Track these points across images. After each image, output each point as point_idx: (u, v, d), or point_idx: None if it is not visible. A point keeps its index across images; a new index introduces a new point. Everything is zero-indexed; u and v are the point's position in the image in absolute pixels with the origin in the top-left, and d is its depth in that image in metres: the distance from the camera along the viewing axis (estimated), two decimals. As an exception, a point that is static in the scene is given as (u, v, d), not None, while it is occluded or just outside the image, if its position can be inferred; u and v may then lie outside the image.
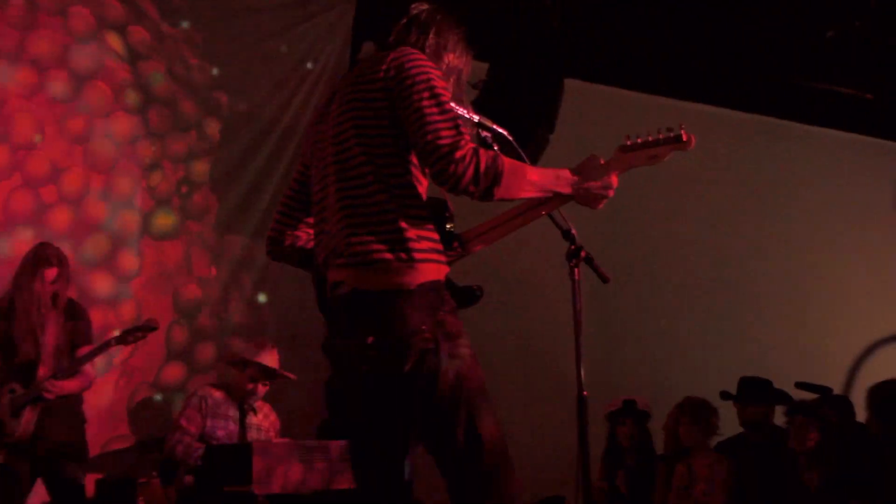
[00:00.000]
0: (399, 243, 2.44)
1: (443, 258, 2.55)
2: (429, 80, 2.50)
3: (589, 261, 3.28)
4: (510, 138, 3.19)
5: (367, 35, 7.19)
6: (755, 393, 5.90)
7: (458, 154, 2.41)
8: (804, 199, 8.66)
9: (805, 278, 8.49)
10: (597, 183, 2.75)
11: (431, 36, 2.74)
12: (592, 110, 7.31)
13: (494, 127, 3.16)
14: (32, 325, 4.80)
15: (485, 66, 6.01)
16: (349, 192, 2.53)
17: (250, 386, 5.24)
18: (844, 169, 8.71)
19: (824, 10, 6.33)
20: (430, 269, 2.48)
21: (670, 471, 5.72)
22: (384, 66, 2.57)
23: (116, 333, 5.08)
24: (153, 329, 4.98)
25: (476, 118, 3.11)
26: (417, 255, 2.45)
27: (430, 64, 2.58)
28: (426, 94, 2.47)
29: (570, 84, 6.18)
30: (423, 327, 2.40)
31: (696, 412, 5.59)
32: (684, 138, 2.85)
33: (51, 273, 4.87)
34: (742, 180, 8.41)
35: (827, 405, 5.56)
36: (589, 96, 7.27)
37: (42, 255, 4.88)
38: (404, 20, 2.81)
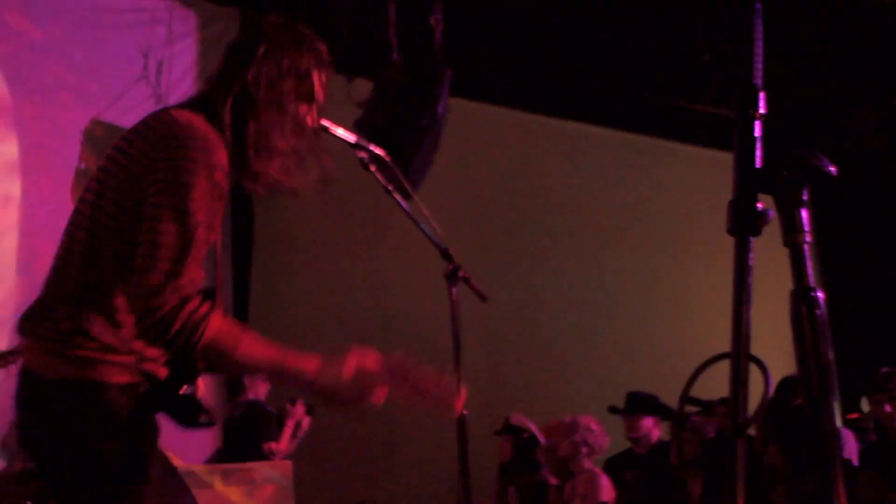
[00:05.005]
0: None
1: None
2: (188, 181, 2.04)
3: (466, 280, 3.31)
4: (388, 159, 3.19)
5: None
6: (641, 407, 6.01)
7: (155, 302, 1.99)
8: (684, 217, 8.86)
9: (687, 296, 8.68)
10: (348, 393, 2.20)
11: (262, 72, 2.26)
12: (478, 129, 7.38)
13: (372, 148, 3.15)
14: None
15: (369, 84, 6.01)
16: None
17: None
18: (720, 185, 8.95)
19: (700, 34, 6.55)
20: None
21: (561, 488, 5.78)
22: (158, 132, 2.13)
23: None
24: None
25: (353, 139, 3.10)
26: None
27: (205, 154, 2.08)
28: (172, 201, 2.03)
29: (456, 103, 6.22)
30: None
31: (567, 430, 5.66)
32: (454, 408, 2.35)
33: None
34: (624, 198, 8.58)
35: (709, 418, 5.72)
36: (475, 115, 7.34)
37: None
38: (226, 59, 2.33)
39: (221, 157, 2.12)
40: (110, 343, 2.08)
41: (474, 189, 7.42)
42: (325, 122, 3.08)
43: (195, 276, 2.05)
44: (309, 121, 2.35)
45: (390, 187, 3.21)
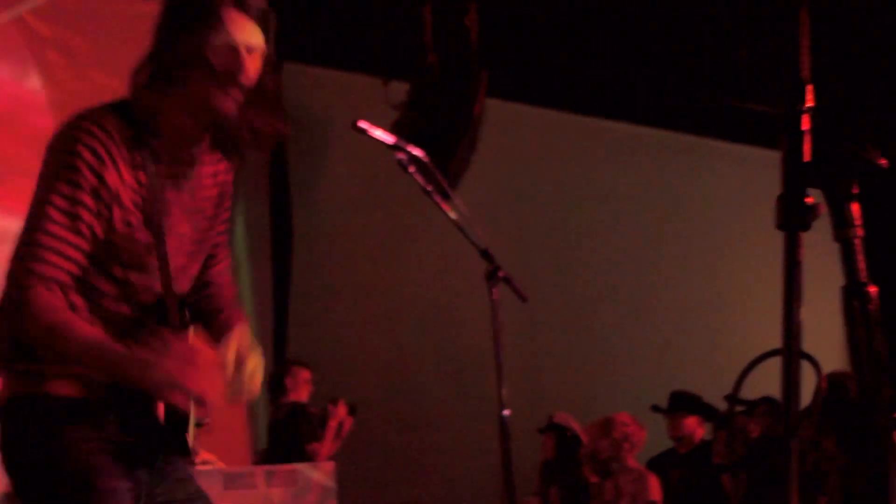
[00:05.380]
0: None
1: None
2: (46, 173, 1.97)
3: (506, 280, 3.31)
4: (426, 160, 3.20)
5: (287, 54, 7.14)
6: (684, 406, 5.97)
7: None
8: (724, 214, 8.78)
9: (728, 293, 8.60)
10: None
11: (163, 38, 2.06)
12: (515, 130, 7.36)
13: (410, 149, 3.16)
14: None
15: (405, 86, 6.02)
16: None
17: None
18: (762, 183, 8.86)
19: (742, 29, 6.49)
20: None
21: (601, 487, 5.76)
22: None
23: None
24: None
25: (392, 140, 3.11)
26: None
27: (71, 143, 1.95)
28: (34, 196, 1.98)
29: (492, 104, 6.22)
30: None
31: (603, 430, 5.63)
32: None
33: None
34: (665, 197, 8.51)
35: (754, 418, 5.67)
36: (511, 115, 7.32)
37: None
38: None
39: (97, 144, 1.95)
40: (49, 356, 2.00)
41: (512, 190, 7.40)
42: (364, 124, 3.11)
43: (47, 262, 1.91)
44: (228, 65, 2.02)
45: (429, 188, 3.22)
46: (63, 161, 1.94)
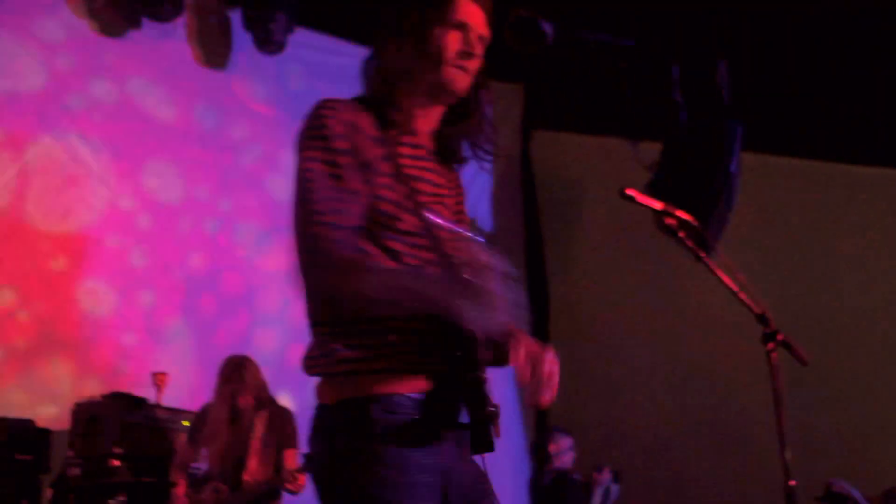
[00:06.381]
0: None
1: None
2: (301, 168, 1.98)
3: (786, 344, 3.18)
4: (695, 223, 3.13)
5: (537, 123, 7.28)
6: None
7: None
8: None
9: None
10: None
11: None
12: (773, 182, 7.11)
13: (679, 214, 3.11)
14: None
15: (654, 146, 5.97)
16: None
17: None
18: None
19: None
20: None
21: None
22: None
23: None
24: None
25: (660, 206, 3.07)
26: None
27: (317, 129, 1.97)
28: (299, 175, 2.00)
29: (748, 157, 6.05)
30: None
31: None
32: None
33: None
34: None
35: None
36: (765, 168, 7.09)
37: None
38: None
39: (343, 115, 1.97)
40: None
41: (776, 246, 7.12)
42: (632, 192, 3.09)
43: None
44: (460, 44, 2.03)
45: (702, 254, 3.15)
46: (316, 136, 1.94)
